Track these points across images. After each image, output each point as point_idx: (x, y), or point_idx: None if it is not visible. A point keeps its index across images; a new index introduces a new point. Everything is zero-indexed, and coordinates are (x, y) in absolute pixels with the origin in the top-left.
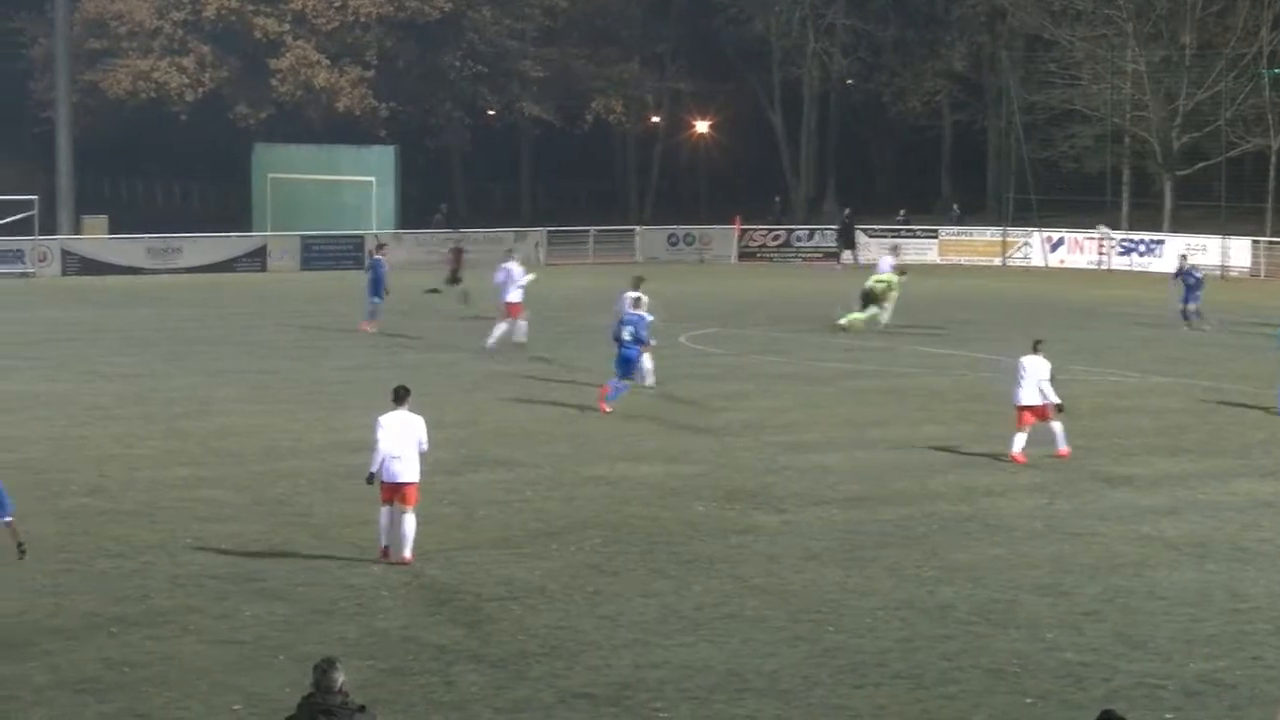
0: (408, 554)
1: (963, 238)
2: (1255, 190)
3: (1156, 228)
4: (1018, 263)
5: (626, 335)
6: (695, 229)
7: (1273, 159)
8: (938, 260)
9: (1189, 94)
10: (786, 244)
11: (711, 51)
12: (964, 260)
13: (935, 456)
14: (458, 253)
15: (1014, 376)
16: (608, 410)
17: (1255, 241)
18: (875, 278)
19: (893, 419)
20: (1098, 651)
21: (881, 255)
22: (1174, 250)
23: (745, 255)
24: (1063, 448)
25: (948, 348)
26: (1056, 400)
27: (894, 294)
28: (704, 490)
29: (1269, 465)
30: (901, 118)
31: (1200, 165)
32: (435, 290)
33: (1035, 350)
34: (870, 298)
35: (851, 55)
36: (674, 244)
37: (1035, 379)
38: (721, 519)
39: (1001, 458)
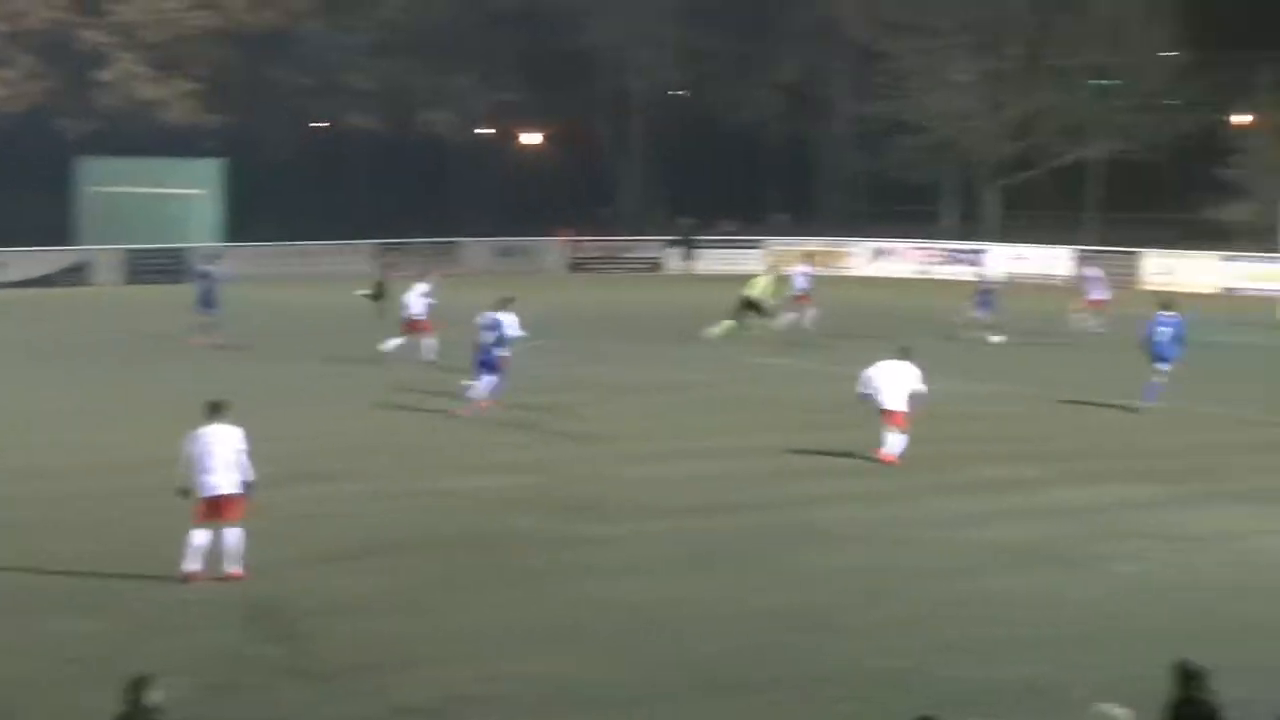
0: (236, 569)
1: (791, 248)
2: (1078, 199)
3: (983, 237)
4: (847, 272)
5: (490, 339)
6: (524, 241)
7: (1096, 169)
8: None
9: (1016, 105)
10: (616, 255)
11: (544, 63)
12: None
13: (769, 465)
14: (386, 268)
15: (877, 383)
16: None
17: (1076, 250)
18: (755, 284)
19: (729, 428)
20: (917, 658)
21: (793, 265)
22: (999, 259)
23: (575, 266)
24: (892, 453)
25: (785, 357)
26: (924, 389)
27: (774, 301)
28: (540, 502)
29: (1089, 472)
30: (732, 129)
31: (1025, 175)
32: (368, 295)
33: (902, 357)
34: (748, 306)
35: (683, 66)
36: (502, 255)
37: (903, 385)
38: (557, 531)
39: (862, 455)
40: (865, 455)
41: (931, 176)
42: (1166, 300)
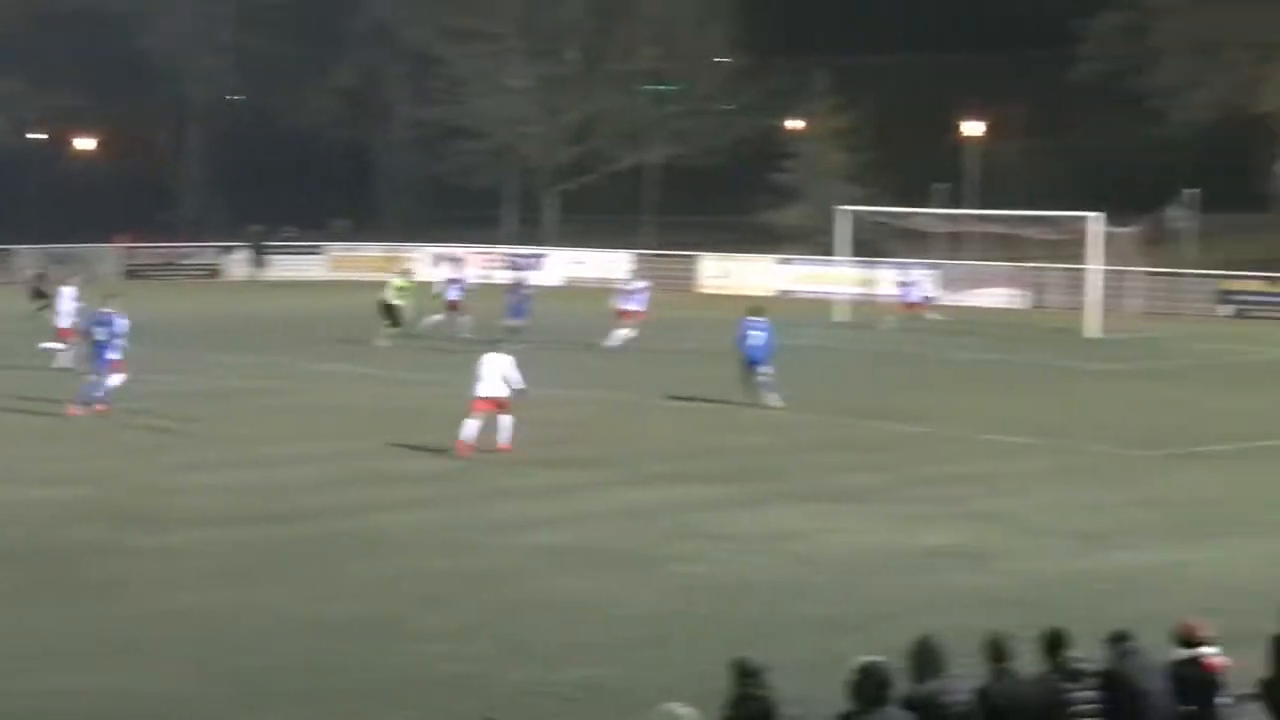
0: None
1: (353, 253)
2: (635, 203)
3: (542, 242)
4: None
5: (101, 336)
6: (78, 248)
7: (652, 173)
8: (327, 276)
9: (573, 110)
10: (175, 262)
11: (100, 67)
12: (355, 276)
13: (332, 471)
14: (39, 276)
15: (475, 373)
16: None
17: (633, 254)
18: (395, 286)
19: (289, 435)
20: (481, 661)
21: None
22: (558, 263)
23: (132, 273)
24: (505, 443)
25: (348, 364)
26: (522, 386)
27: (408, 302)
28: (99, 513)
29: (654, 474)
30: (292, 134)
31: (582, 180)
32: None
33: (497, 347)
34: (386, 311)
35: (242, 71)
36: (55, 263)
37: (497, 371)
38: (117, 542)
39: (437, 449)
40: (442, 449)
41: (491, 181)
42: (756, 306)
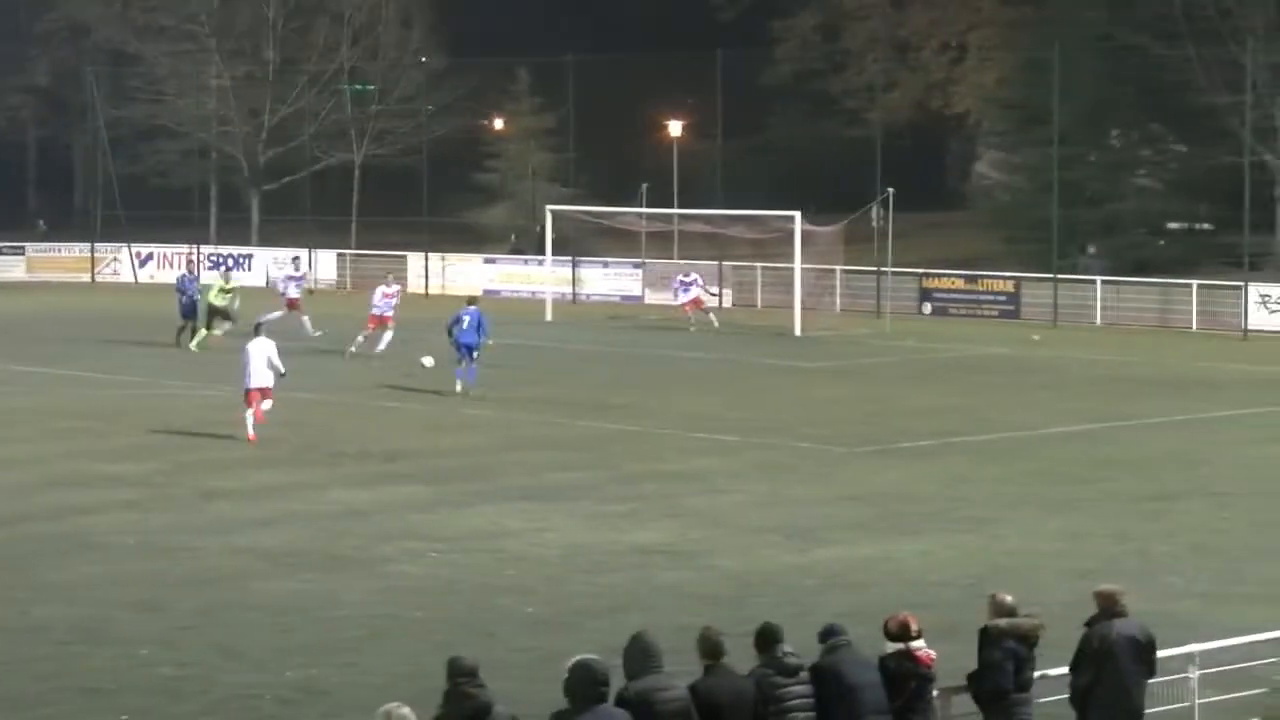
0: None
1: (51, 254)
2: (341, 203)
3: (246, 242)
4: (108, 278)
5: None
6: None
7: (356, 173)
8: (26, 277)
9: (274, 109)
10: None
11: None
12: (53, 277)
13: (26, 476)
14: None
15: (242, 362)
16: None
17: (340, 254)
18: (218, 288)
19: None
20: (195, 665)
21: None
22: (263, 263)
23: None
24: (251, 434)
25: (38, 365)
26: (283, 370)
27: (228, 304)
28: None
29: (358, 475)
30: None
31: (286, 180)
32: None
33: (257, 333)
34: (214, 313)
35: None
36: None
37: (264, 358)
38: None
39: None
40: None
41: (193, 181)
42: (471, 297)
